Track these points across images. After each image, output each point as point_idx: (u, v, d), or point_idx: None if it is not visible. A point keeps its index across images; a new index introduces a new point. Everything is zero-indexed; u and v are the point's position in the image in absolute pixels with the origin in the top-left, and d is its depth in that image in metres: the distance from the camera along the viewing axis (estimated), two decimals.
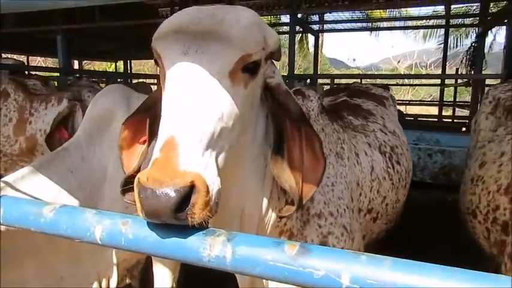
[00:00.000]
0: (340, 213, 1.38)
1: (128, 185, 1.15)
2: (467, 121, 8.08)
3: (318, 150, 1.07)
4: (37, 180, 1.63)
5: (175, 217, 0.78)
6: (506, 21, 5.59)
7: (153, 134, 1.16)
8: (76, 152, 1.79)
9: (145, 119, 1.15)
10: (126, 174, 1.17)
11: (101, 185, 1.85)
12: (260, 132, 1.16)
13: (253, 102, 1.06)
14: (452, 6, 9.53)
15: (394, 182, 1.85)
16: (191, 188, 0.78)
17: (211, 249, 0.79)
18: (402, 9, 10.89)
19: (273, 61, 1.15)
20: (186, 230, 0.83)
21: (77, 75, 7.13)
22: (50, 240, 1.67)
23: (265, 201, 1.21)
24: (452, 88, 10.79)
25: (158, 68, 1.04)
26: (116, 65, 14.92)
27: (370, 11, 10.94)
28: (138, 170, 1.18)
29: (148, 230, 0.86)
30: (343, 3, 8.38)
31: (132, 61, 13.25)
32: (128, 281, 2.20)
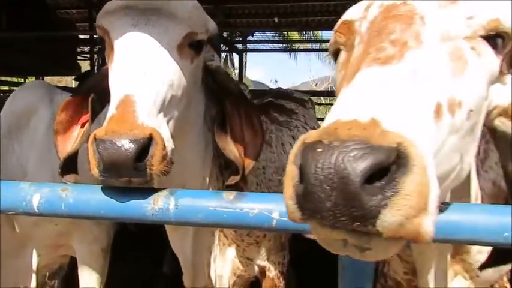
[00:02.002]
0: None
1: (66, 166, 1.13)
2: None
3: (257, 124, 1.19)
4: None
5: (135, 167, 0.80)
6: None
7: (95, 113, 1.17)
8: None
9: (86, 99, 1.15)
10: (62, 157, 1.14)
11: None
12: (201, 113, 1.25)
13: (196, 81, 1.15)
14: None
15: None
16: (149, 140, 0.82)
17: (155, 203, 0.84)
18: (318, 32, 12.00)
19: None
20: (130, 190, 0.88)
21: None
22: None
23: (206, 180, 1.29)
24: None
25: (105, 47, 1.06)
26: (25, 82, 13.69)
27: (288, 34, 11.82)
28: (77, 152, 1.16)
29: (90, 194, 0.88)
30: (267, 24, 8.89)
31: (44, 78, 12.28)
32: None
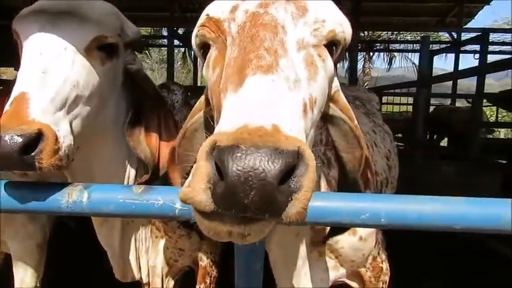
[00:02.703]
0: None
1: None
2: None
3: (173, 128, 1.28)
4: None
5: (21, 160, 0.85)
6: None
7: None
8: None
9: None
10: None
11: None
12: (122, 113, 1.32)
13: (113, 83, 1.22)
14: None
15: None
16: (38, 135, 0.87)
17: (70, 196, 0.92)
18: None
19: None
20: (48, 185, 0.95)
21: None
22: None
23: (131, 179, 1.37)
24: None
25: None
26: None
27: None
28: None
29: (8, 187, 0.94)
30: None
31: None
32: None
